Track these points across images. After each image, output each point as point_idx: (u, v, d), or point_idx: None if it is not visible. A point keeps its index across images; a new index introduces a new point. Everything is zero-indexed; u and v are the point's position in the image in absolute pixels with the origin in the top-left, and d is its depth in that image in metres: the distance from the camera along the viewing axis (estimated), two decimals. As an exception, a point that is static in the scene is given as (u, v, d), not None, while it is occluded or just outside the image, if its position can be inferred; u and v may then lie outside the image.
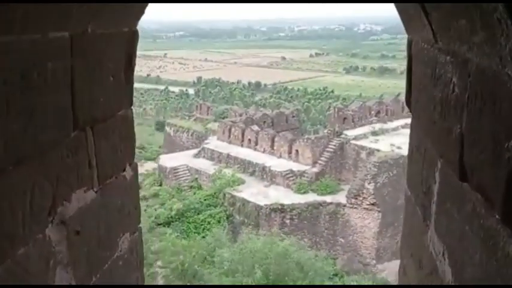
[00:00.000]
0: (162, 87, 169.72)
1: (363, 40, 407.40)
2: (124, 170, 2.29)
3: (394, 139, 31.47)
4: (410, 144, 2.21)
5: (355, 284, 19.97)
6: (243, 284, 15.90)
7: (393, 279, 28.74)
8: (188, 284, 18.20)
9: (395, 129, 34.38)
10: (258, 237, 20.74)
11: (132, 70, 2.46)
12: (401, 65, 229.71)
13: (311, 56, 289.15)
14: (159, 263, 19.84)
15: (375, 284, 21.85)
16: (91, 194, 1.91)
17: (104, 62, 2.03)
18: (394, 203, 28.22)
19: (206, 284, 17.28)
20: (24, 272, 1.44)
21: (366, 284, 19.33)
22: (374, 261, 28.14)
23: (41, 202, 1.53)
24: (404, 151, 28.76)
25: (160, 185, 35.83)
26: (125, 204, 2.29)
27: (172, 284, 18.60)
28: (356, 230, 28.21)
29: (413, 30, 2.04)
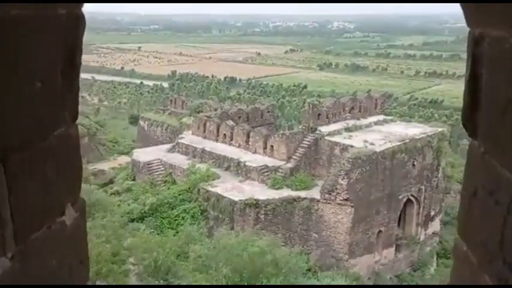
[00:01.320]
0: (136, 81, 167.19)
1: (336, 37, 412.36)
2: (63, 214, 1.70)
3: (368, 135, 31.94)
4: (469, 182, 1.60)
5: (328, 279, 20.19)
6: (219, 281, 15.83)
7: (364, 273, 29.24)
8: (162, 281, 17.97)
9: (368, 125, 34.85)
10: (232, 233, 20.67)
11: (75, 71, 1.77)
12: (373, 63, 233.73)
13: (286, 52, 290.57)
14: (131, 259, 19.48)
15: (347, 279, 22.15)
16: (2, 262, 1.35)
17: (25, 61, 1.43)
18: (367, 198, 28.72)
19: (181, 282, 17.10)
20: None
21: (340, 279, 19.57)
22: (347, 256, 28.53)
23: None
24: (377, 147, 29.32)
25: (134, 180, 35.25)
26: (63, 264, 1.70)
27: (145, 281, 18.32)
28: (329, 225, 28.51)
29: (486, 21, 1.45)
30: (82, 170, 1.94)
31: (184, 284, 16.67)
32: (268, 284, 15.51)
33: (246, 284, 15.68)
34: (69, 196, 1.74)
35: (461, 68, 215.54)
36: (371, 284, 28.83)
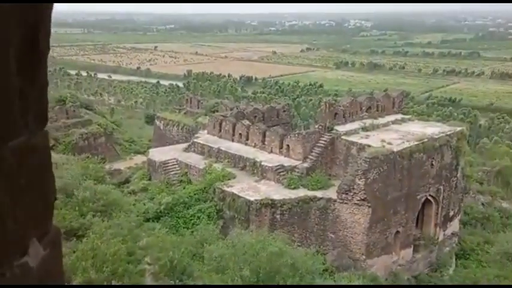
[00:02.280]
0: (152, 80, 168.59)
1: (353, 36, 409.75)
2: (24, 254, 1.27)
3: (385, 135, 31.46)
4: None
5: (345, 280, 19.91)
6: (235, 282, 15.70)
7: (382, 274, 28.81)
8: (178, 281, 17.93)
9: (385, 125, 34.34)
10: (248, 233, 20.53)
11: (40, 59, 1.31)
12: (390, 61, 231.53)
13: (302, 51, 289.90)
14: (147, 259, 19.50)
15: (365, 280, 21.82)
16: None
17: None
18: (384, 198, 28.27)
19: (196, 282, 17.03)
20: None
21: (357, 280, 19.27)
22: (364, 257, 28.13)
23: None
24: (395, 147, 28.84)
25: (150, 179, 35.41)
26: None
27: (161, 282, 18.32)
28: (346, 226, 28.15)
29: None
30: (55, 192, 1.53)
31: (200, 284, 16.60)
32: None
33: (262, 283, 15.54)
34: (33, 228, 1.30)
35: (480, 66, 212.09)
36: (388, 284, 28.35)
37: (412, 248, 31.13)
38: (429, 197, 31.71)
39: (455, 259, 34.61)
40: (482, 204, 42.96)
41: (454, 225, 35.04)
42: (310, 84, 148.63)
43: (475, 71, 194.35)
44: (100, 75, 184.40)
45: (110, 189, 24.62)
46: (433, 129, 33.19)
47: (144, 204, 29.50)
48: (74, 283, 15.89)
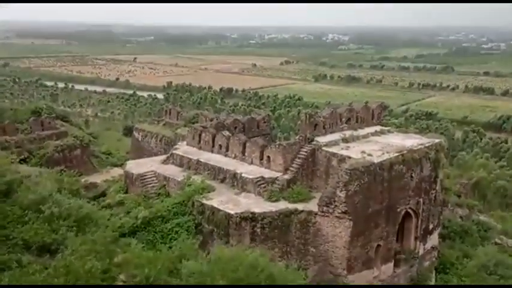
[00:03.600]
0: (131, 92, 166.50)
1: (331, 49, 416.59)
2: None
3: (365, 146, 31.43)
4: None
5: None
6: None
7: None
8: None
9: (365, 136, 34.38)
10: (228, 247, 19.94)
11: None
12: (367, 75, 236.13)
13: (281, 63, 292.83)
14: (122, 276, 18.67)
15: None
16: None
17: None
18: (365, 211, 28.05)
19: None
20: None
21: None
22: (345, 272, 27.75)
23: None
24: (375, 158, 28.77)
25: (126, 193, 34.42)
26: None
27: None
28: (327, 239, 27.78)
29: None
30: None
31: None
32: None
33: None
34: None
35: (454, 80, 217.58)
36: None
37: (392, 263, 30.92)
38: (409, 210, 31.69)
39: (435, 273, 34.60)
40: (461, 217, 43.37)
41: (434, 239, 35.09)
42: (289, 97, 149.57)
43: (450, 84, 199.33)
44: (77, 87, 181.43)
45: (84, 203, 23.69)
46: (412, 141, 33.37)
47: (120, 219, 28.46)
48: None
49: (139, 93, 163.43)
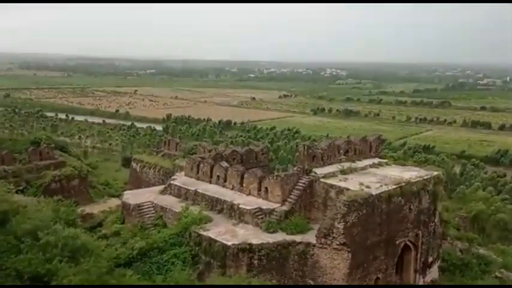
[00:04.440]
0: (130, 123, 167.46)
1: (329, 84, 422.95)
2: None
3: (363, 178, 31.47)
4: None
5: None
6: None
7: (363, 323, 27.79)
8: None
9: (363, 168, 34.48)
10: (224, 279, 19.64)
11: None
12: (366, 108, 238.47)
13: (280, 97, 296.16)
14: (116, 307, 18.36)
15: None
16: None
17: None
18: (364, 243, 27.79)
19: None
20: None
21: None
22: (344, 305, 27.21)
23: None
24: (373, 190, 28.76)
25: (123, 223, 34.15)
26: None
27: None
28: (325, 271, 27.38)
29: None
30: None
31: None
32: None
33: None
34: None
35: (451, 114, 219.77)
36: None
37: (392, 296, 30.39)
38: (408, 242, 31.41)
39: (436, 307, 33.90)
40: (460, 250, 42.79)
41: (433, 272, 34.60)
42: (288, 129, 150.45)
43: (447, 119, 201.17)
44: (77, 118, 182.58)
45: (79, 233, 23.51)
46: (410, 173, 33.45)
47: (116, 249, 28.16)
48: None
49: (138, 124, 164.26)
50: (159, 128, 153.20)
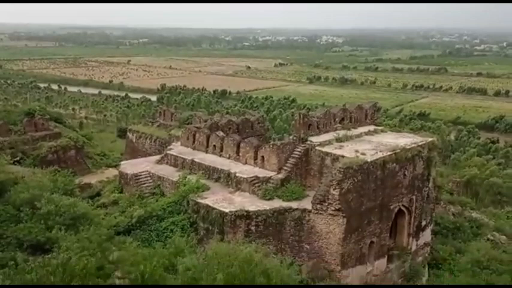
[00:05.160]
0: (124, 94, 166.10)
1: (325, 51, 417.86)
2: None
3: (358, 145, 31.69)
4: None
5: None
6: None
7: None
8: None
9: (359, 135, 34.64)
10: (223, 244, 20.08)
11: None
12: (361, 76, 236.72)
13: (275, 65, 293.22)
14: (117, 273, 18.78)
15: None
16: None
17: None
18: (359, 208, 28.32)
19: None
20: None
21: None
22: (339, 268, 27.98)
23: None
24: (368, 157, 29.05)
25: (121, 192, 34.49)
26: None
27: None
28: (321, 236, 28.01)
29: None
30: None
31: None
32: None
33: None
34: None
35: (447, 81, 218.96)
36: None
37: (386, 258, 31.21)
38: (402, 207, 32.00)
39: (428, 268, 34.93)
40: (453, 214, 43.77)
41: (426, 235, 35.44)
42: (284, 98, 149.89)
43: (443, 86, 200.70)
44: (71, 89, 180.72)
45: (78, 201, 23.79)
46: (405, 140, 33.70)
47: (115, 218, 28.60)
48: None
49: (133, 95, 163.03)
50: (153, 98, 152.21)
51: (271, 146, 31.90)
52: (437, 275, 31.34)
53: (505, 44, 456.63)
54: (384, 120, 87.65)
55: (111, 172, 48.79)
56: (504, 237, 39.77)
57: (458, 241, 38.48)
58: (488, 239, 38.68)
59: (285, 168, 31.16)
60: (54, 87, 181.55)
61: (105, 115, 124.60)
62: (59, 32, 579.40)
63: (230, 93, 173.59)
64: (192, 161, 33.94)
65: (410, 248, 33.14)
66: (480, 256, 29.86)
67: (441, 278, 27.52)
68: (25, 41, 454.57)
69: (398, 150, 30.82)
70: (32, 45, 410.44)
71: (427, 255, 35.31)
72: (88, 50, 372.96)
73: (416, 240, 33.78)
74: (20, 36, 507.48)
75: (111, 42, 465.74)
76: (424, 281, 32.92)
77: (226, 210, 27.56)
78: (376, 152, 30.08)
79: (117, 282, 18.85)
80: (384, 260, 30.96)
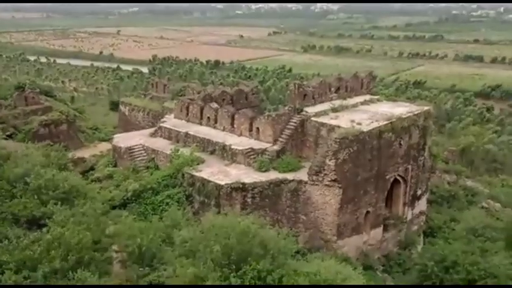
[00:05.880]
0: (116, 66, 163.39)
1: (320, 19, 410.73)
2: None
3: (354, 115, 31.41)
4: None
5: (317, 260, 19.75)
6: (207, 264, 15.21)
7: (353, 255, 29.01)
8: (148, 268, 17.29)
9: (354, 105, 34.30)
10: (219, 216, 20.02)
11: None
12: (357, 44, 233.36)
13: (269, 34, 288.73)
14: (114, 246, 18.72)
15: (336, 259, 21.76)
16: None
17: None
18: (355, 179, 28.32)
19: (166, 267, 16.43)
20: None
21: (329, 260, 19.14)
22: (335, 238, 28.22)
23: None
24: (364, 127, 28.80)
25: (115, 166, 34.21)
26: None
27: (129, 269, 17.63)
28: (317, 207, 28.08)
29: None
30: None
31: (169, 269, 16.02)
32: (257, 265, 14.95)
33: (234, 265, 15.12)
34: None
35: (443, 48, 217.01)
36: (359, 263, 28.55)
37: (381, 228, 31.49)
38: (398, 177, 32.05)
39: (423, 237, 35.37)
40: (448, 183, 44.06)
41: (422, 204, 35.72)
42: (279, 68, 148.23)
43: (439, 53, 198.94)
44: (60, 61, 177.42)
45: (70, 175, 23.49)
46: (400, 109, 33.41)
47: (110, 192, 28.43)
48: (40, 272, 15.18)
49: (124, 67, 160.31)
50: (145, 70, 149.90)
51: (266, 117, 31.54)
52: (432, 243, 31.73)
53: (502, 9, 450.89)
54: (380, 89, 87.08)
55: (105, 146, 48.28)
56: (498, 204, 40.21)
57: (453, 209, 38.85)
58: (482, 207, 39.08)
59: (281, 139, 30.90)
60: (43, 59, 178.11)
61: (96, 88, 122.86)
62: (46, 3, 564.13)
63: (223, 63, 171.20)
64: (187, 133, 33.55)
65: (406, 217, 33.42)
66: (475, 224, 30.16)
67: (436, 246, 27.88)
68: (11, 12, 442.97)
69: (394, 120, 30.58)
70: (18, 17, 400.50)
71: (422, 223, 35.69)
72: (76, 21, 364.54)
73: (412, 209, 34.04)
74: (7, 8, 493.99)
75: (99, 12, 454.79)
76: (419, 249, 33.37)
77: (222, 183, 27.43)
78: (372, 122, 29.84)
79: (115, 255, 18.84)
80: (379, 230, 31.24)
